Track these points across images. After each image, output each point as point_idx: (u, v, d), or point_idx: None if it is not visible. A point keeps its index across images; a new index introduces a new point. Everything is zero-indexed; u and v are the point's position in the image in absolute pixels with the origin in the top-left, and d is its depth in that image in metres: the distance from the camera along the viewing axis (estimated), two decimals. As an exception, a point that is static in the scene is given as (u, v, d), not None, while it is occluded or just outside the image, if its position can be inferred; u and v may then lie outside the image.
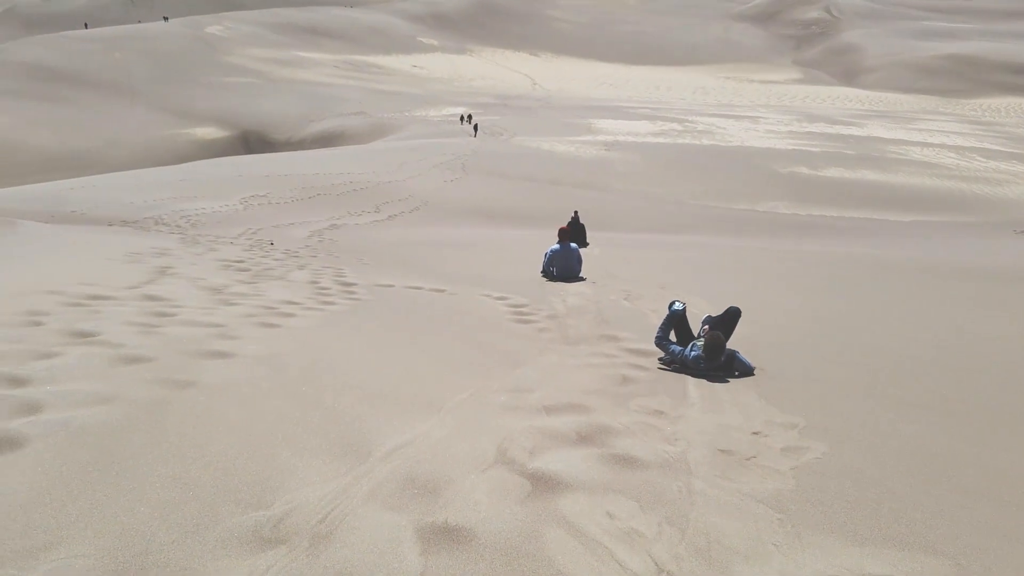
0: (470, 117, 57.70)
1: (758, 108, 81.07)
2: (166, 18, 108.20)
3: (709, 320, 7.58)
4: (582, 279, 12.81)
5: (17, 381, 4.60)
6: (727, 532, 3.47)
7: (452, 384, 5.69)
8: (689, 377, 6.47)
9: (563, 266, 12.81)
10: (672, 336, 7.42)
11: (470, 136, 51.66)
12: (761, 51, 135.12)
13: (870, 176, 40.84)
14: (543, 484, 3.84)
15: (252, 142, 61.63)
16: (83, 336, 5.92)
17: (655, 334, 7.26)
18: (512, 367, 6.46)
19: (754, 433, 4.93)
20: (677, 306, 7.46)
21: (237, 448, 3.95)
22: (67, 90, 70.42)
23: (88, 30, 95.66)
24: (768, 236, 24.82)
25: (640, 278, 12.82)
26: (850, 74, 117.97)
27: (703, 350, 6.71)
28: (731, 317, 7.45)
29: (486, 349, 7.22)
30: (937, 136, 59.67)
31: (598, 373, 6.39)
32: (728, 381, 6.34)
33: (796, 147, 49.33)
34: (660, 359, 7.12)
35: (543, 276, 13.01)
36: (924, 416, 5.67)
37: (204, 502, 3.36)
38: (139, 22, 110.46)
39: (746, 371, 6.86)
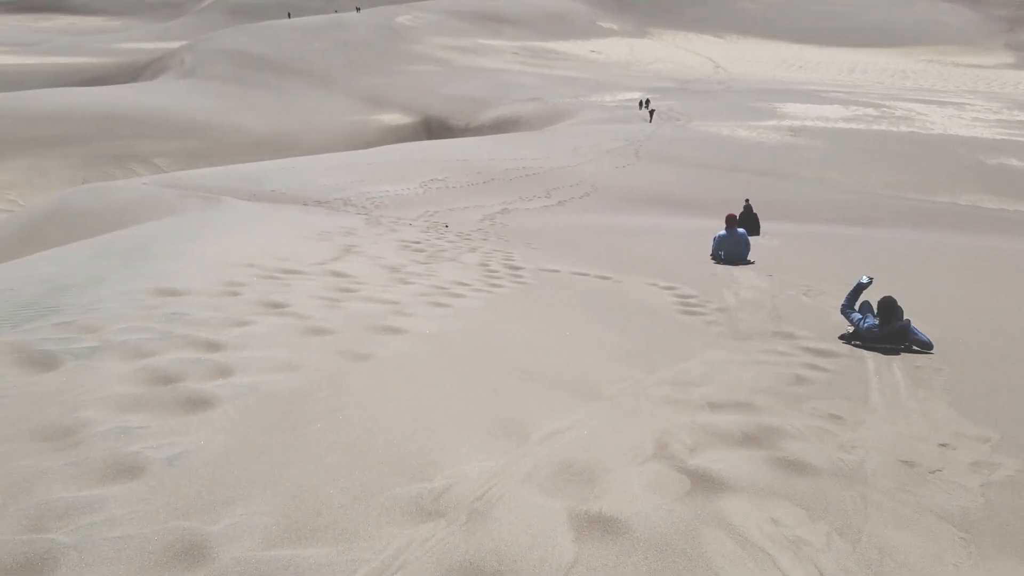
0: (648, 102, 56.70)
1: (964, 94, 73.90)
2: (358, 8, 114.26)
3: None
4: (750, 262, 13.16)
5: (214, 346, 5.06)
6: (903, 548, 3.21)
7: (613, 373, 5.64)
8: (872, 381, 6.03)
9: (731, 250, 13.26)
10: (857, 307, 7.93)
11: (645, 121, 50.83)
12: (969, 33, 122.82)
13: (1094, 171, 36.18)
14: (703, 482, 3.71)
15: (434, 128, 64.00)
16: (275, 307, 6.41)
17: (843, 309, 7.93)
18: (677, 360, 6.30)
19: (941, 445, 4.51)
20: (864, 279, 8.13)
21: (405, 420, 4.13)
22: (271, 77, 76.20)
23: (290, 19, 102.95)
24: (969, 232, 22.63)
25: (822, 273, 12.09)
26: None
27: (877, 311, 7.30)
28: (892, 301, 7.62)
29: (650, 339, 7.10)
30: None
31: (770, 371, 6.10)
32: (916, 389, 5.84)
33: (1006, 137, 44.57)
34: (841, 336, 7.63)
35: (712, 259, 13.47)
36: None
37: (372, 470, 3.54)
38: (335, 12, 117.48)
39: (923, 345, 7.17)
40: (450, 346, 5.74)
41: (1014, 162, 37.23)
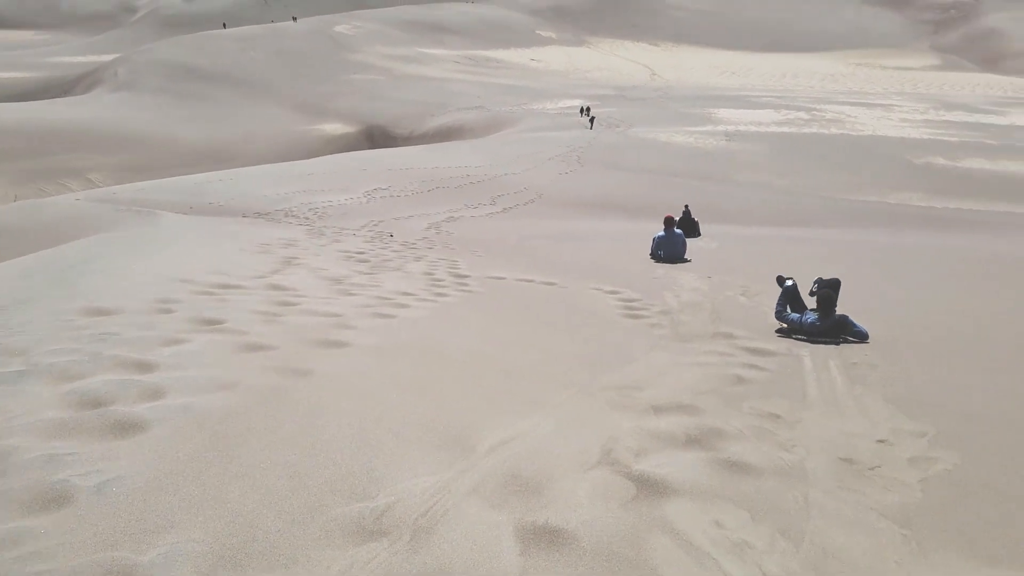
0: (588, 109, 57.31)
1: (891, 96, 76.57)
2: (295, 18, 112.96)
3: (819, 281, 8.51)
4: (687, 260, 14.20)
5: (145, 367, 4.89)
6: (846, 547, 3.26)
7: (559, 379, 5.64)
8: (810, 378, 6.16)
9: (669, 250, 14.28)
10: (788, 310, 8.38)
11: (586, 128, 51.33)
12: (895, 36, 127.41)
13: (1013, 167, 37.79)
14: (648, 487, 3.72)
15: (376, 137, 63.57)
16: (210, 324, 6.24)
17: (776, 310, 8.38)
18: (621, 364, 6.34)
19: (879, 441, 4.62)
20: (788, 283, 8.52)
21: (346, 437, 4.04)
22: (207, 88, 74.80)
23: (226, 30, 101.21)
24: (900, 230, 23.40)
25: (760, 274, 12.33)
26: (992, 60, 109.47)
27: (816, 305, 7.76)
28: (837, 283, 8.23)
29: (595, 344, 7.13)
30: (1094, 123, 54.45)
31: (711, 372, 6.18)
32: (852, 386, 5.97)
33: (932, 136, 46.27)
34: (777, 331, 8.08)
35: (652, 258, 14.45)
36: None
37: (312, 491, 3.45)
38: (272, 21, 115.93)
39: (860, 335, 7.66)
40: (394, 358, 5.66)
41: (940, 161, 38.66)
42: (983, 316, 9.62)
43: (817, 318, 7.76)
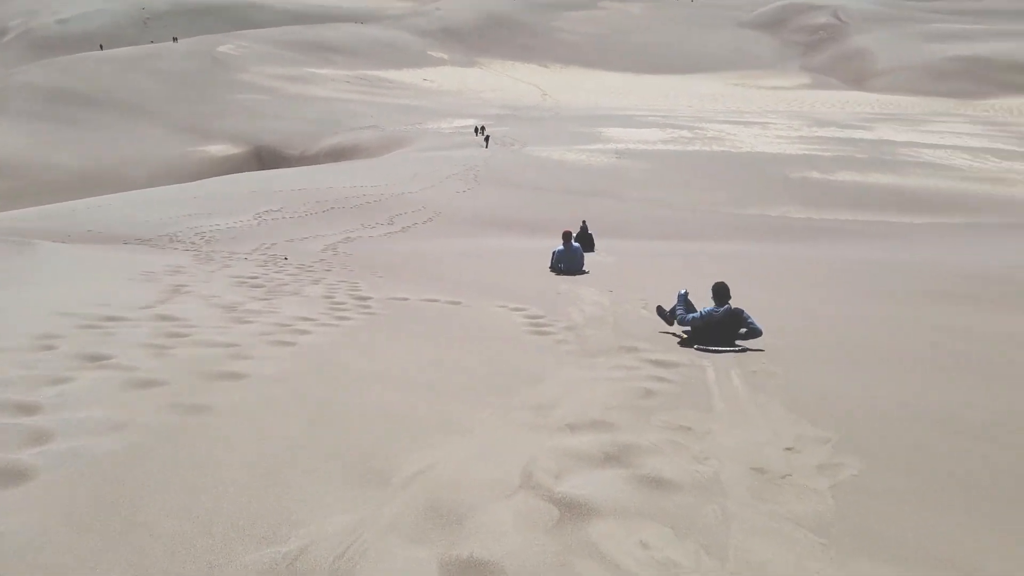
0: (483, 129, 57.71)
1: (768, 114, 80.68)
2: (175, 39, 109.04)
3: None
4: (586, 272, 15.03)
5: (27, 409, 4.48)
6: (768, 559, 3.29)
7: (472, 402, 5.54)
8: (714, 389, 6.29)
9: (569, 263, 15.08)
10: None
11: (481, 147, 51.66)
12: (770, 58, 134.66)
13: (882, 179, 40.45)
14: (571, 510, 3.66)
15: (266, 158, 61.89)
16: (96, 360, 5.81)
17: (674, 312, 8.86)
18: (532, 382, 6.29)
19: (787, 449, 4.74)
20: (682, 291, 9.05)
21: (251, 476, 3.80)
22: (85, 111, 71.08)
23: (103, 51, 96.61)
24: (781, 241, 24.57)
25: (656, 286, 12.63)
26: (859, 78, 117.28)
27: (712, 295, 8.34)
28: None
29: (505, 363, 7.06)
30: (949, 138, 59.00)
31: (620, 386, 6.21)
32: (755, 394, 6.14)
33: (807, 152, 48.97)
34: (679, 341, 8.48)
35: (551, 271, 15.19)
36: (957, 427, 5.45)
37: (217, 538, 3.21)
38: (152, 42, 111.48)
39: (755, 331, 8.15)
40: (297, 389, 5.41)
41: (815, 175, 40.91)
42: (865, 321, 10.14)
43: (714, 307, 8.33)
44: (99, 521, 3.29)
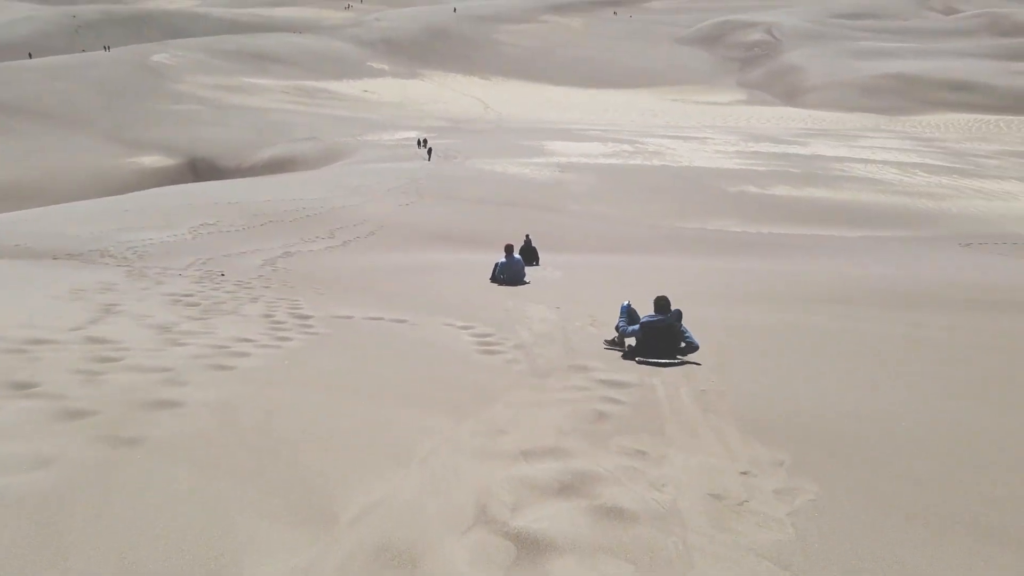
0: (425, 141, 57.43)
1: (705, 129, 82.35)
2: (107, 48, 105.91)
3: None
4: (527, 283, 15.74)
5: (-59, 446, 4.15)
6: (731, 593, 3.22)
7: (420, 428, 5.37)
8: (665, 409, 6.25)
9: (511, 274, 15.75)
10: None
11: (424, 160, 51.38)
12: (706, 73, 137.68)
13: (816, 193, 41.60)
14: (529, 546, 3.54)
15: (201, 170, 60.38)
16: (21, 388, 5.46)
17: (616, 325, 9.12)
18: (483, 405, 6.15)
19: (742, 473, 4.71)
20: (625, 303, 9.41)
21: (189, 516, 3.57)
22: (11, 120, 68.31)
23: (31, 60, 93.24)
24: (721, 254, 24.96)
25: (603, 302, 12.63)
26: (792, 94, 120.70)
27: (654, 307, 8.69)
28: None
29: (454, 385, 6.91)
30: (880, 153, 61.14)
31: (572, 409, 6.12)
32: (706, 415, 6.12)
33: (743, 166, 50.10)
34: (607, 341, 9.16)
35: (492, 281, 15.74)
36: (904, 436, 5.52)
37: (152, 588, 2.99)
38: (83, 51, 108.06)
39: (691, 345, 8.45)
40: (236, 418, 5.16)
41: (752, 189, 41.84)
42: (804, 334, 10.30)
43: (654, 315, 8.64)
44: (21, 568, 3.03)
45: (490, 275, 16.05)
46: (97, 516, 3.50)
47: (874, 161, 54.95)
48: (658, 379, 7.39)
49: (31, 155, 60.26)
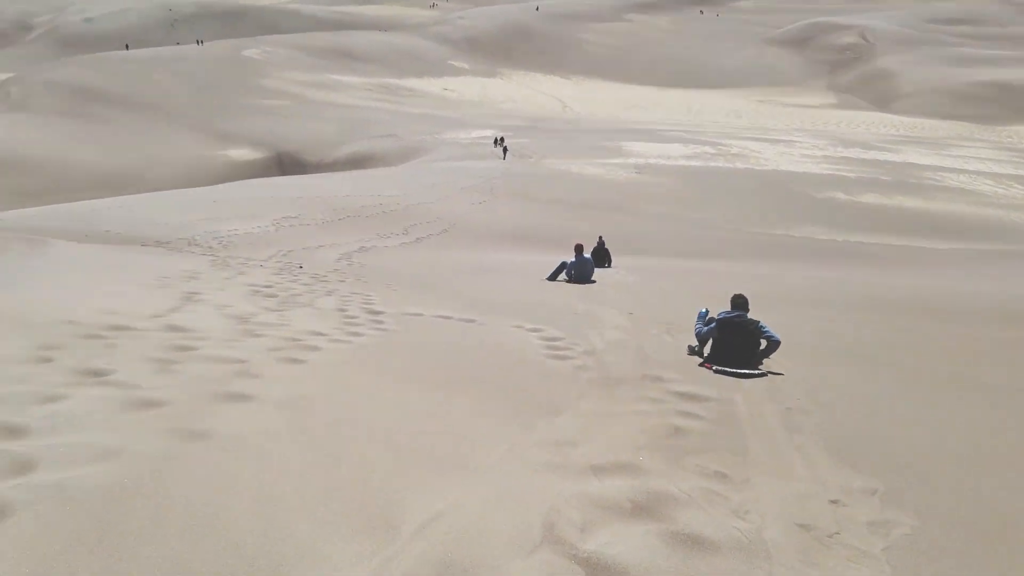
0: (502, 140, 57.52)
1: (793, 132, 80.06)
2: (199, 41, 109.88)
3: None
4: (593, 282, 15.96)
5: (13, 431, 4.18)
6: (821, 640, 2.93)
7: (487, 435, 5.19)
8: (747, 427, 5.91)
9: (580, 273, 16.03)
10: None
11: (499, 158, 51.44)
12: (795, 75, 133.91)
13: (907, 202, 39.86)
14: (600, 573, 3.31)
15: (286, 164, 62.04)
16: (94, 375, 5.52)
17: (695, 330, 8.87)
18: (551, 414, 5.94)
19: (832, 502, 4.36)
20: (703, 310, 9.22)
21: (250, 519, 3.48)
22: (109, 110, 71.63)
23: (128, 51, 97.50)
24: (807, 262, 24.09)
25: (680, 310, 12.24)
26: (884, 100, 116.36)
27: (731, 305, 8.52)
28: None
29: (522, 391, 6.72)
30: (973, 163, 58.23)
31: (646, 423, 5.85)
32: (791, 435, 5.75)
33: (832, 172, 48.41)
34: (690, 347, 8.90)
35: (548, 280, 16.09)
36: (1010, 476, 5.05)
37: (206, 597, 2.89)
38: (178, 44, 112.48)
39: (773, 343, 8.15)
40: (305, 415, 5.09)
41: (841, 195, 40.36)
42: (896, 351, 9.71)
43: (730, 311, 8.46)
44: (76, 570, 2.97)
45: (549, 273, 16.31)
46: (157, 514, 3.44)
47: (967, 171, 52.38)
48: (739, 394, 7.03)
49: (127, 145, 63.00)
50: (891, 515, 4.22)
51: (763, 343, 8.27)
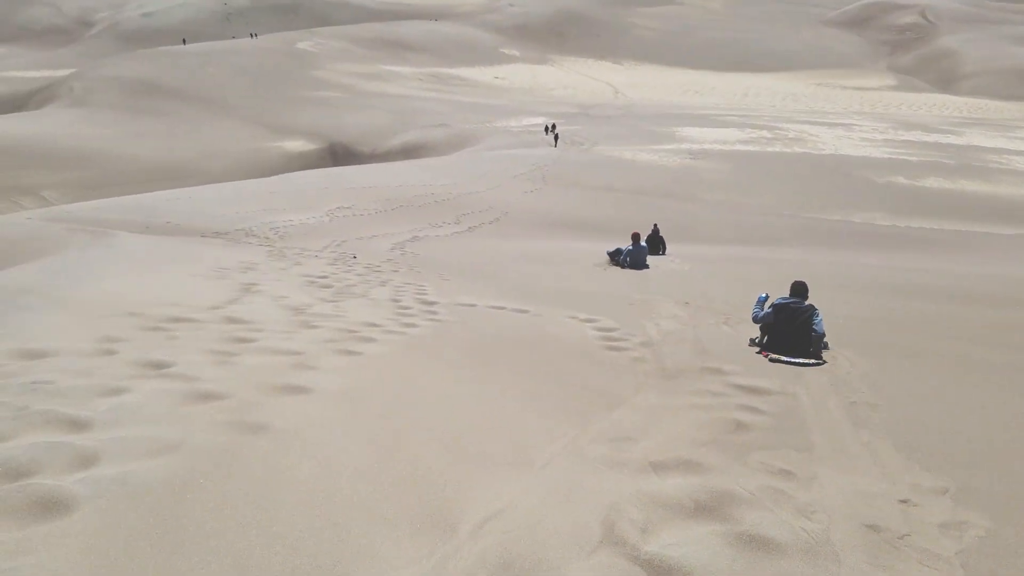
0: (553, 127, 57.17)
1: (851, 115, 77.86)
2: (253, 34, 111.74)
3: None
4: (647, 267, 16.66)
5: (77, 425, 4.25)
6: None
7: (543, 430, 5.12)
8: (811, 422, 5.72)
9: (635, 259, 16.70)
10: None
11: (551, 146, 51.16)
12: (854, 57, 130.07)
13: (971, 186, 38.40)
14: (662, 576, 3.22)
15: (339, 154, 62.73)
16: (156, 367, 5.61)
17: (752, 315, 8.80)
18: (608, 408, 5.84)
19: (902, 501, 4.18)
20: (763, 295, 9.03)
21: (308, 515, 3.47)
22: (167, 103, 73.37)
23: (185, 46, 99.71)
24: (868, 249, 23.40)
25: (738, 299, 11.98)
26: (947, 81, 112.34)
27: (790, 292, 8.54)
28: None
29: (577, 384, 6.62)
30: (1041, 145, 55.84)
31: (706, 417, 5.71)
32: (858, 430, 5.55)
33: (893, 156, 46.91)
34: (752, 339, 8.75)
35: (609, 256, 17.18)
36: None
37: (264, 594, 2.88)
38: (233, 38, 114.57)
39: (819, 338, 8.05)
40: (361, 407, 5.09)
41: (902, 180, 39.11)
42: (965, 343, 9.33)
43: (788, 297, 8.45)
44: (139, 565, 3.00)
45: (609, 256, 17.23)
46: (217, 509, 3.46)
47: (1036, 153, 50.22)
48: (801, 387, 6.83)
49: (185, 137, 64.46)
50: (963, 516, 4.03)
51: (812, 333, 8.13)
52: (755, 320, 8.70)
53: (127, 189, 44.45)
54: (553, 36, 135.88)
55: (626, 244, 17.22)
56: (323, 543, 3.26)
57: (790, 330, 8.12)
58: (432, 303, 10.34)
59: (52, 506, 3.34)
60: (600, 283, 14.04)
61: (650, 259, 17.57)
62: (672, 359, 7.88)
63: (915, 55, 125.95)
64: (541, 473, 4.28)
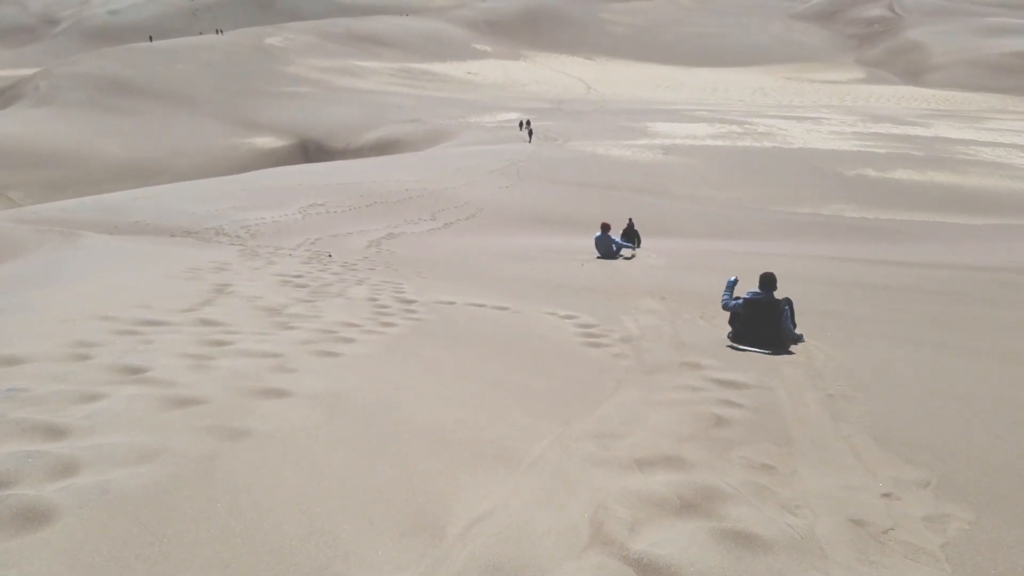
0: (527, 123, 57.19)
1: (820, 109, 78.74)
2: (219, 31, 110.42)
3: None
4: (619, 257, 17.66)
5: (55, 432, 4.17)
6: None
7: (527, 428, 5.12)
8: (790, 416, 5.78)
9: (603, 249, 17.63)
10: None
11: (525, 142, 51.17)
12: (822, 50, 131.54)
13: (939, 178, 39.05)
14: (652, 575, 3.22)
15: (311, 151, 62.25)
16: (132, 372, 5.52)
17: (721, 302, 9.07)
18: (591, 404, 5.86)
19: (884, 495, 4.23)
20: (732, 279, 9.28)
21: (293, 522, 3.43)
22: (134, 101, 72.34)
23: (152, 43, 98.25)
24: (837, 241, 23.70)
25: (712, 293, 12.07)
26: (914, 73, 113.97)
27: (759, 284, 8.54)
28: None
29: (560, 381, 6.64)
30: (1008, 136, 56.81)
31: (687, 412, 5.74)
32: (836, 423, 5.61)
33: (861, 148, 47.54)
34: (729, 335, 8.70)
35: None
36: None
37: (253, 603, 2.85)
38: (200, 34, 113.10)
39: (785, 335, 8.21)
40: (343, 409, 5.05)
41: (871, 172, 39.64)
42: (939, 331, 9.49)
43: (758, 291, 8.51)
44: (122, 574, 2.94)
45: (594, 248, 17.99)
46: (201, 517, 3.41)
47: (1002, 144, 51.18)
48: (778, 380, 6.90)
49: (152, 135, 63.58)
50: (946, 508, 4.09)
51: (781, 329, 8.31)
52: (725, 308, 8.95)
53: (95, 188, 43.76)
54: (525, 32, 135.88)
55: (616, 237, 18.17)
56: (310, 549, 3.23)
57: (756, 323, 8.30)
58: (411, 301, 10.28)
59: (33, 516, 3.27)
60: (577, 278, 14.08)
61: (626, 252, 18.41)
62: (652, 354, 7.92)
63: (883, 48, 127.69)
64: (528, 472, 4.28)
